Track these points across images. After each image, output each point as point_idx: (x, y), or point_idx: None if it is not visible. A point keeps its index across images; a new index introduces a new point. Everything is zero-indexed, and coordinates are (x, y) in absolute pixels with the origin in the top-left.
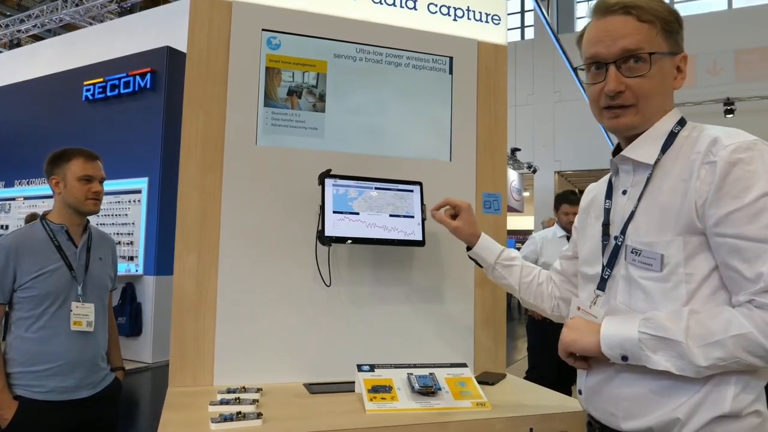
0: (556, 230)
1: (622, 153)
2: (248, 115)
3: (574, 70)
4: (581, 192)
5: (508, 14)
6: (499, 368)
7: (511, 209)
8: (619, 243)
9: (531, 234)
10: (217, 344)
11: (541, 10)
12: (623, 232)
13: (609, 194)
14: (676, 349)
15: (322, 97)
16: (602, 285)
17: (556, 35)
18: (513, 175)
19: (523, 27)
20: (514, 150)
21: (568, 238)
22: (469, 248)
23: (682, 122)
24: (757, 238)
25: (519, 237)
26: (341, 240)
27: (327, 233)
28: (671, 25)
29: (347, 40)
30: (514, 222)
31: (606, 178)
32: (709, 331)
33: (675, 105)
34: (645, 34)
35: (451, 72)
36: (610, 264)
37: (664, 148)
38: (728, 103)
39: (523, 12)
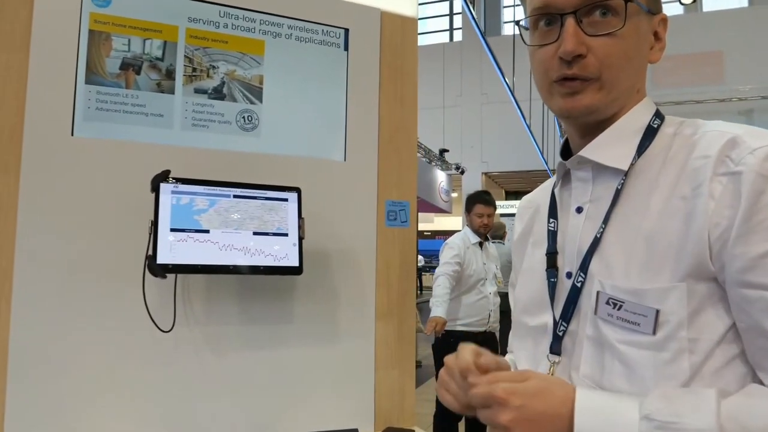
0: (469, 236)
1: (581, 153)
2: (61, 95)
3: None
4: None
5: (437, 16)
6: (406, 420)
7: (441, 210)
8: (579, 284)
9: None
10: (7, 415)
11: (470, 11)
12: (584, 268)
13: (554, 212)
14: None
15: (170, 74)
16: (556, 346)
17: (484, 36)
18: (441, 176)
19: (451, 29)
20: (443, 151)
21: (481, 244)
22: None
23: (659, 115)
24: None
25: (447, 237)
26: (181, 269)
27: (160, 260)
28: None
29: (207, 0)
30: (444, 222)
31: (546, 188)
32: None
33: None
34: None
35: (346, 48)
36: (566, 315)
37: (641, 149)
38: None
39: (451, 14)
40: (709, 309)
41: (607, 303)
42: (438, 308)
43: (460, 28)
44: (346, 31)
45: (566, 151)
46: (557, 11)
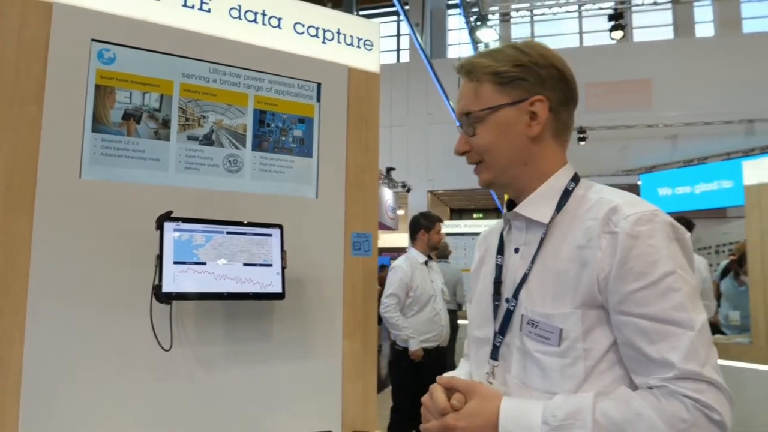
0: (417, 256)
1: (516, 210)
2: (70, 142)
3: (446, 95)
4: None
5: (385, 37)
6: (369, 425)
7: (386, 227)
8: (512, 308)
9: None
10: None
11: (416, 36)
12: (515, 296)
13: (501, 249)
14: None
15: (166, 123)
16: (495, 353)
17: (429, 59)
18: (388, 194)
19: (398, 50)
20: (389, 169)
21: (427, 263)
22: None
23: (576, 179)
24: (665, 320)
25: (394, 255)
26: (183, 297)
27: (165, 289)
28: (505, 75)
29: (199, 58)
30: (390, 240)
31: (497, 229)
32: (617, 427)
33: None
34: (472, 94)
35: (318, 99)
36: (503, 330)
37: (559, 207)
38: (581, 131)
39: (398, 36)
40: (598, 328)
41: (528, 323)
42: (412, 341)
43: (407, 49)
44: (319, 85)
45: (511, 204)
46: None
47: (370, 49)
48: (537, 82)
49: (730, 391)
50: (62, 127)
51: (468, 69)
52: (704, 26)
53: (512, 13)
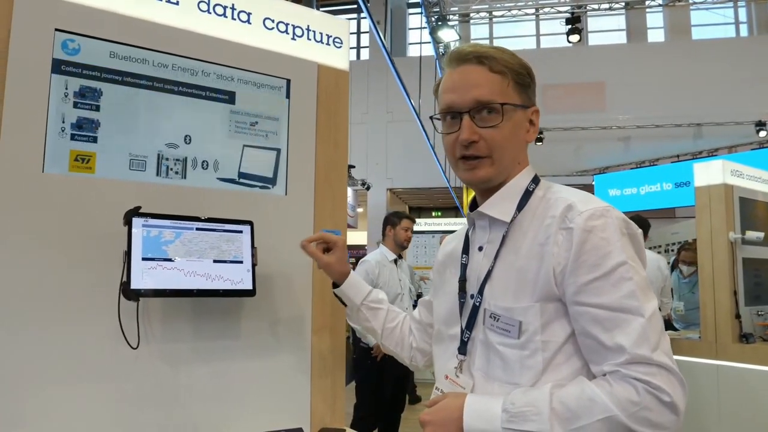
0: (386, 254)
1: (479, 209)
2: (32, 136)
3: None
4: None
5: None
6: (337, 421)
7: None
8: (477, 304)
9: (365, 251)
10: None
11: (378, 34)
12: (480, 292)
13: (466, 249)
14: None
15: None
16: (463, 349)
17: (390, 57)
18: (348, 192)
19: (358, 47)
20: (349, 167)
21: (396, 261)
22: (335, 285)
23: (536, 180)
24: (617, 308)
25: (353, 252)
26: (152, 294)
27: (133, 286)
28: (523, 78)
29: (167, 51)
30: (349, 237)
31: (463, 230)
32: (573, 414)
33: None
34: (497, 85)
35: (288, 96)
36: (469, 326)
37: (520, 206)
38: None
39: (359, 33)
40: (556, 321)
41: (490, 316)
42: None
43: (367, 47)
44: (288, 81)
45: (474, 204)
46: (458, 110)
47: (340, 47)
48: (533, 91)
49: (682, 375)
50: (23, 119)
51: (488, 56)
52: (656, 32)
53: (472, 14)
